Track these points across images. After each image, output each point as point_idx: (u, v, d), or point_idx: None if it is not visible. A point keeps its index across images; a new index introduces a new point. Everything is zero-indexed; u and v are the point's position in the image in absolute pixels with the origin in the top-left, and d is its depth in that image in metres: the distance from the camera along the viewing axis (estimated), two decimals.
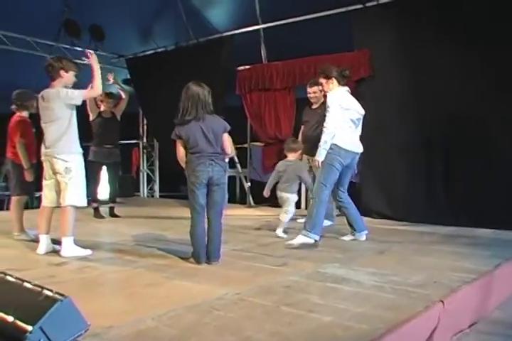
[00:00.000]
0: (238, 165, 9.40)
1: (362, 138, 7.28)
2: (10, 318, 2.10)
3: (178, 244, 4.65)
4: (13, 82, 9.84)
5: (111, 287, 3.24)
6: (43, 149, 4.39)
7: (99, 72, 4.37)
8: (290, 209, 5.36)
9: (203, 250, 3.89)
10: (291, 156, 5.52)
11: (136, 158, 11.40)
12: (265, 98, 8.39)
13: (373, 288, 3.19)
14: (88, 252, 4.32)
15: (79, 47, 9.62)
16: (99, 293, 3.14)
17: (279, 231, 5.29)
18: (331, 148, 4.69)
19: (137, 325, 2.50)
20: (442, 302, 2.85)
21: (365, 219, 6.88)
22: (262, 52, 8.66)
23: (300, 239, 4.63)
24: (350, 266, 3.83)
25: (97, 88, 4.37)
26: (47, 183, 4.40)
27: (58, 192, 4.34)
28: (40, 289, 2.32)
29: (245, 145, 9.02)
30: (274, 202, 8.96)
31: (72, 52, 9.69)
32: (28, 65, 9.63)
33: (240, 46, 8.64)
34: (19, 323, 2.06)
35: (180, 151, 4.01)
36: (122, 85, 7.65)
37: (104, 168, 7.01)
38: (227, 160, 6.66)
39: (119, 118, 7.07)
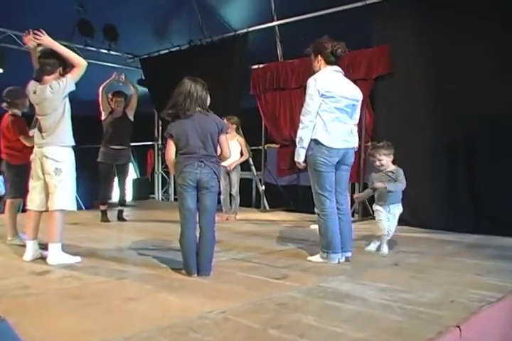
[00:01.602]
0: (253, 168, 9.05)
1: (380, 138, 6.92)
2: None
3: (177, 252, 4.31)
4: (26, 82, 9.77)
5: (86, 301, 2.90)
6: (35, 146, 4.12)
7: (61, 46, 4.01)
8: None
9: (193, 261, 3.52)
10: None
11: (151, 159, 11.17)
12: (280, 98, 8.05)
13: (379, 308, 2.78)
14: (77, 259, 4.03)
15: (92, 47, 9.46)
16: (68, 307, 2.81)
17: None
18: (310, 147, 3.95)
19: None
20: (459, 327, 2.42)
21: None
22: (278, 50, 8.31)
23: (319, 259, 4.09)
24: (358, 280, 3.42)
25: (76, 59, 3.99)
26: (34, 185, 4.11)
27: (47, 195, 4.06)
28: None
29: (260, 148, 8.67)
30: (288, 206, 8.68)
31: (84, 52, 9.51)
32: None
33: (255, 44, 8.33)
34: None
35: (169, 151, 3.64)
36: (134, 84, 7.35)
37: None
38: (227, 163, 6.37)
39: (131, 117, 6.78)
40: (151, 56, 10.10)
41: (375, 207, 4.61)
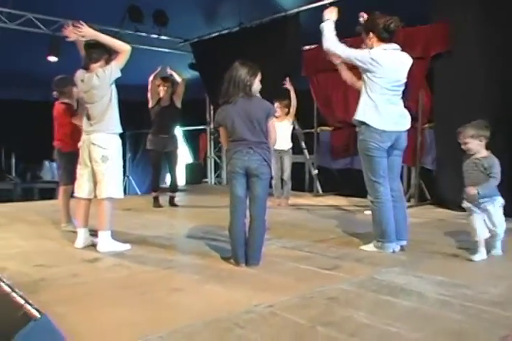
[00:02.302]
0: (305, 152, 8.85)
1: (438, 120, 6.57)
2: None
3: (228, 240, 4.26)
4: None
5: (133, 291, 2.88)
6: (83, 133, 4.14)
7: (103, 35, 3.97)
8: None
9: (242, 250, 3.43)
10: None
11: (203, 144, 11.16)
12: (333, 79, 7.74)
13: (437, 304, 2.60)
14: (127, 247, 4.04)
15: (143, 32, 9.47)
16: (115, 298, 2.79)
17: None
18: (361, 132, 3.79)
19: None
20: None
21: (441, 211, 6.23)
22: None
23: (373, 249, 3.91)
24: (414, 272, 3.23)
25: (120, 46, 3.99)
26: (82, 173, 4.14)
27: (94, 182, 4.07)
28: (22, 303, 1.99)
29: (312, 131, 8.47)
30: (342, 190, 8.46)
31: (135, 37, 9.55)
32: None
33: (307, 24, 8.06)
34: None
35: (223, 139, 3.62)
36: (180, 74, 7.30)
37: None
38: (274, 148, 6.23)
39: (178, 105, 6.78)
40: (201, 40, 10.00)
41: (465, 204, 3.69)
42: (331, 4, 7.72)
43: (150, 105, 6.71)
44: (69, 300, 2.74)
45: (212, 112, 10.79)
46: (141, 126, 10.72)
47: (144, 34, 9.54)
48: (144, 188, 11.58)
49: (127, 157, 12.30)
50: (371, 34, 3.84)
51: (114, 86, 4.06)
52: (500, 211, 3.63)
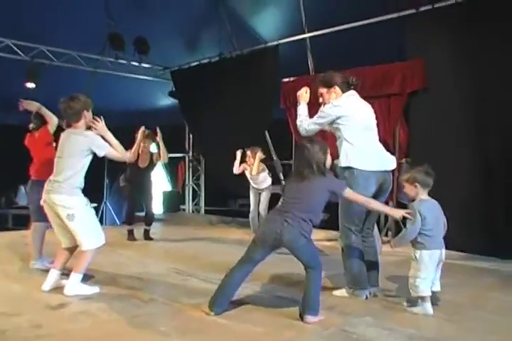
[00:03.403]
0: (283, 182, 8.84)
1: (414, 155, 6.61)
2: None
3: (201, 282, 4.23)
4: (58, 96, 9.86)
5: None
6: (45, 186, 3.97)
7: (111, 136, 4.00)
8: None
9: (225, 300, 3.38)
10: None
11: (181, 172, 11.12)
12: (311, 112, 7.81)
13: None
14: (95, 290, 3.92)
15: (123, 60, 9.47)
16: None
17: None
18: (344, 176, 3.72)
19: None
20: None
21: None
22: (309, 63, 8.10)
23: (344, 294, 3.87)
24: (385, 323, 3.19)
25: (120, 153, 4.03)
26: (55, 227, 4.03)
27: (72, 234, 3.94)
28: None
29: (290, 162, 8.46)
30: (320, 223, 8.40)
31: (115, 65, 9.55)
32: (73, 79, 9.58)
33: (286, 57, 8.15)
34: None
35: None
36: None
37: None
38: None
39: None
40: (181, 68, 10.06)
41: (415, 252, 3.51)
42: (310, 38, 7.91)
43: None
44: None
45: (191, 141, 10.78)
46: None
47: (124, 62, 9.54)
48: (121, 216, 11.39)
49: (105, 183, 12.17)
50: (333, 88, 3.88)
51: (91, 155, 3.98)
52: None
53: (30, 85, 8.67)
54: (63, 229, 3.95)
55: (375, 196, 3.75)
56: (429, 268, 3.43)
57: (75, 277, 3.88)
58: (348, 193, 3.40)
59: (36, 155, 4.99)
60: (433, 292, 3.48)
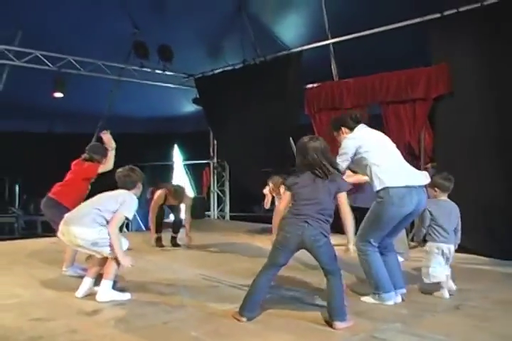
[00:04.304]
0: None
1: (439, 160, 6.58)
2: None
3: (229, 288, 4.28)
4: (85, 105, 10.05)
5: None
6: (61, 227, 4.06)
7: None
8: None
9: (255, 306, 3.43)
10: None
11: (207, 178, 11.20)
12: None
13: None
14: (127, 297, 4.01)
15: (148, 68, 9.62)
16: None
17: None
18: (380, 197, 3.71)
19: None
20: None
21: None
22: (333, 69, 8.12)
23: (372, 301, 3.86)
24: (414, 329, 3.18)
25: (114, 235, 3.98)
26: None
27: None
28: None
29: None
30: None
31: (140, 73, 9.71)
32: (99, 88, 9.77)
33: (309, 63, 8.19)
34: None
35: None
36: None
37: None
38: None
39: None
40: (205, 75, 10.16)
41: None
42: (333, 44, 7.92)
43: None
44: None
45: (215, 147, 10.87)
46: (145, 159, 10.80)
47: (148, 70, 9.69)
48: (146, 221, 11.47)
49: None
50: (343, 129, 4.05)
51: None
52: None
53: (58, 95, 8.87)
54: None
55: (410, 214, 3.78)
56: (437, 259, 3.98)
57: (106, 283, 3.97)
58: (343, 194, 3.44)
59: (71, 180, 5.14)
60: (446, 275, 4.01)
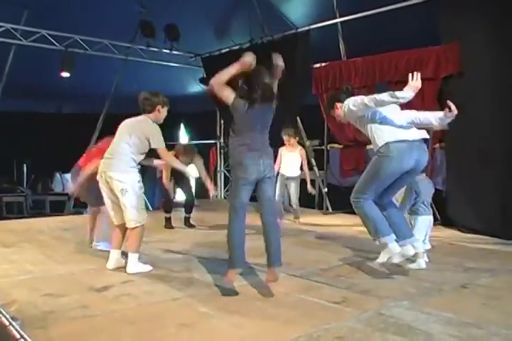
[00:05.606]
0: (316, 168, 8.86)
1: (448, 140, 6.55)
2: None
3: None
4: (92, 84, 10.01)
5: (139, 326, 2.88)
6: (101, 164, 4.22)
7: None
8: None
9: (241, 253, 3.64)
10: None
11: (213, 158, 11.20)
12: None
13: None
14: (149, 268, 4.21)
15: (154, 47, 9.55)
16: (121, 335, 2.79)
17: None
18: (380, 152, 3.76)
19: None
20: None
21: (452, 232, 6.20)
22: (341, 48, 8.05)
23: (384, 259, 3.92)
24: (422, 307, 3.21)
25: (171, 162, 4.56)
26: (109, 203, 4.27)
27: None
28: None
29: (322, 147, 8.48)
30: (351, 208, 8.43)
31: (147, 52, 9.65)
32: (106, 67, 9.73)
33: (317, 42, 8.11)
34: None
35: None
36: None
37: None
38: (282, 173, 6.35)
39: None
40: (212, 55, 10.08)
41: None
42: (341, 23, 7.82)
43: None
44: (77, 336, 2.76)
45: (222, 127, 10.85)
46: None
47: (155, 49, 9.63)
48: (154, 202, 11.50)
49: None
50: (337, 104, 4.11)
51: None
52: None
53: (65, 74, 8.83)
54: (116, 206, 4.19)
55: (404, 174, 3.79)
56: (421, 231, 4.31)
57: (133, 256, 4.15)
58: None
59: None
60: (425, 250, 4.33)
